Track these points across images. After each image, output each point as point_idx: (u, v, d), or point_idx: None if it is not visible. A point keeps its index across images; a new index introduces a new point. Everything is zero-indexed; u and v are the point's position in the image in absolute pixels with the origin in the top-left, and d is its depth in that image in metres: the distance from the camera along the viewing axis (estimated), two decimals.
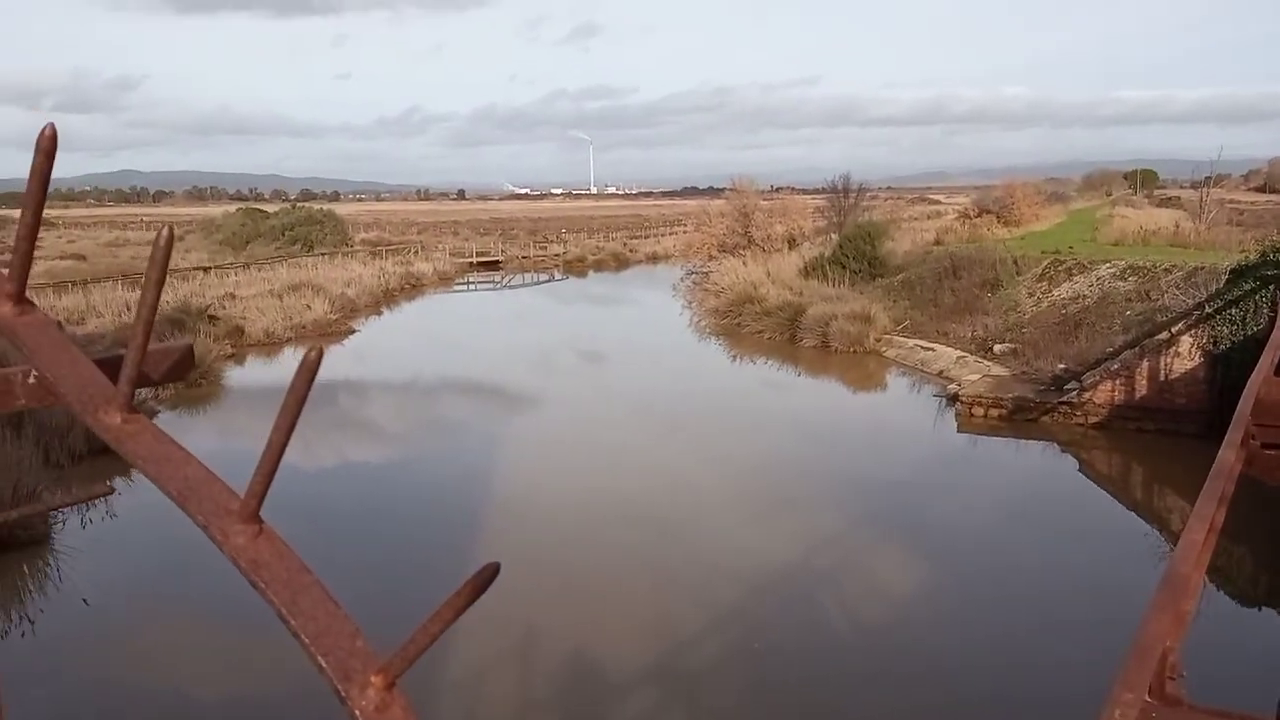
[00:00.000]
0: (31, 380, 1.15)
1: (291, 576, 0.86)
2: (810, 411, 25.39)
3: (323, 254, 56.54)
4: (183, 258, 55.28)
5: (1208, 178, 58.28)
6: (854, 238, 40.53)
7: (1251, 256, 21.32)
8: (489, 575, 0.84)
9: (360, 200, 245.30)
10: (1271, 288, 19.11)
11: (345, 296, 43.06)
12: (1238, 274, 20.49)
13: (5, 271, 1.02)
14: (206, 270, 47.14)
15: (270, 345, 34.66)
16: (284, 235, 62.76)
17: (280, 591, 0.84)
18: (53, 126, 0.94)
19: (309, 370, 0.86)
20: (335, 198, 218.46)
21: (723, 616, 12.33)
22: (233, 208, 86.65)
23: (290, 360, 32.90)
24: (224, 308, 36.78)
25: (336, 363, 33.03)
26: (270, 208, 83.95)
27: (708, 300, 41.54)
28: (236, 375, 29.63)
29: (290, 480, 18.83)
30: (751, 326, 35.23)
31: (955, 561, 14.42)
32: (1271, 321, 17.04)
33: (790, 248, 47.34)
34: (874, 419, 24.75)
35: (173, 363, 1.31)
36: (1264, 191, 75.81)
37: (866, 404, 26.66)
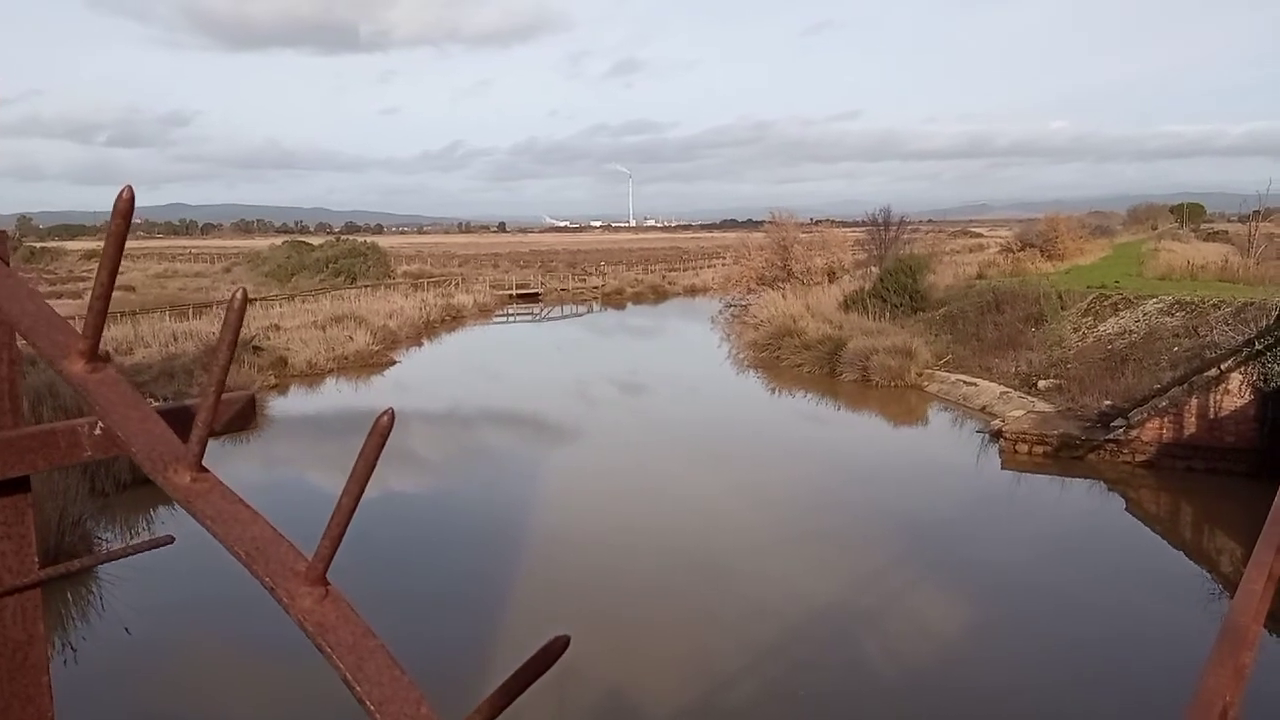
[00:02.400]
0: (98, 432, 1.17)
1: (357, 641, 0.86)
2: (851, 446, 25.17)
3: (365, 286, 57.32)
4: (229, 289, 56.27)
5: (1256, 211, 57.36)
6: (895, 271, 40.32)
7: None
8: (559, 648, 0.83)
9: (403, 233, 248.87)
10: None
11: (387, 328, 43.55)
12: None
13: (78, 328, 1.04)
14: (252, 302, 47.89)
15: (313, 376, 35.10)
16: (328, 267, 63.75)
17: (346, 656, 0.84)
18: (129, 189, 0.97)
19: (380, 435, 0.87)
20: (378, 230, 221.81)
21: (762, 655, 12.19)
22: (278, 240, 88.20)
23: (332, 391, 33.31)
24: (268, 339, 37.35)
25: (377, 393, 33.36)
26: (315, 240, 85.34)
27: (746, 333, 41.46)
28: (280, 405, 30.01)
29: (328, 502, 18.97)
30: (791, 360, 35.08)
31: (1000, 603, 14.15)
32: None
33: (830, 281, 47.19)
34: (916, 455, 24.47)
35: (235, 413, 1.33)
36: None
37: (908, 439, 26.38)
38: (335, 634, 0.86)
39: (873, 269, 45.28)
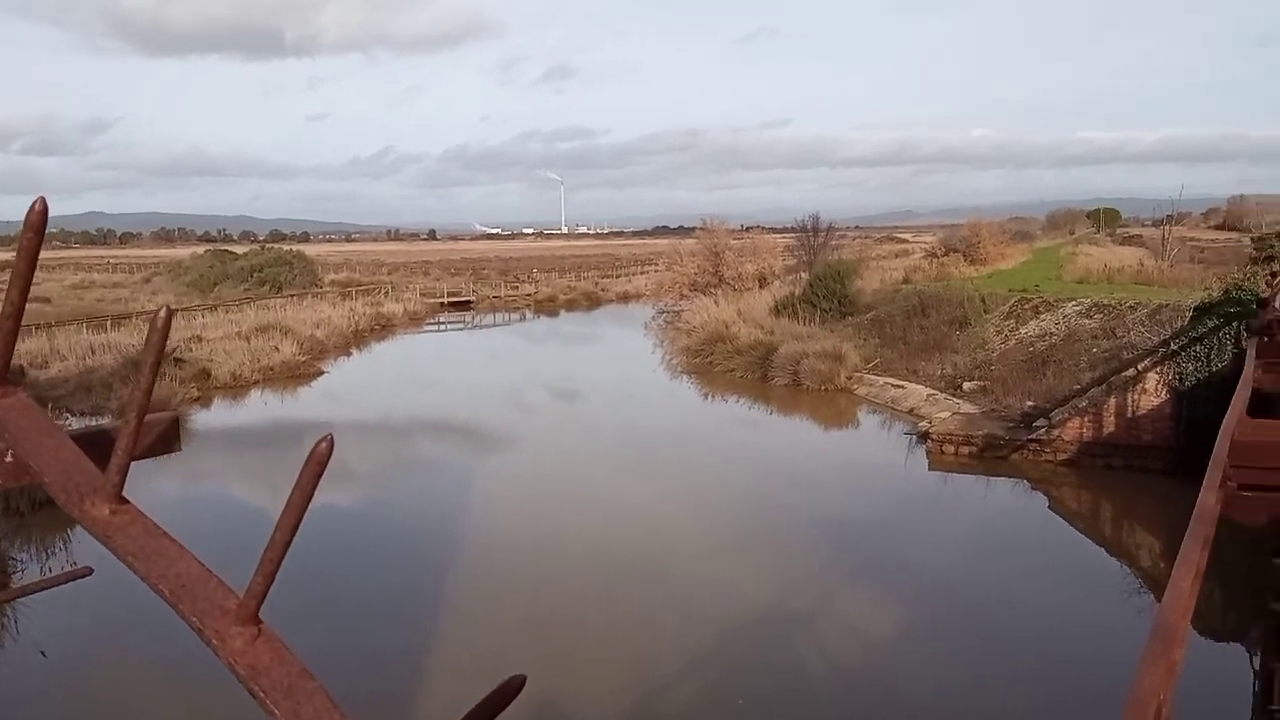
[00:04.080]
0: (9, 460, 1.10)
1: (293, 683, 0.81)
2: (783, 449, 25.40)
3: (291, 295, 56.20)
4: (149, 300, 54.73)
5: (1169, 216, 59.41)
6: (824, 276, 40.86)
7: (1214, 294, 21.72)
8: (516, 688, 0.79)
9: (330, 241, 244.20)
10: (1235, 325, 19.42)
11: (314, 338, 42.73)
12: (1201, 311, 20.84)
13: None
14: (173, 312, 46.62)
15: (237, 388, 34.25)
16: (252, 277, 62.35)
17: (281, 701, 0.79)
18: (43, 201, 0.91)
19: (318, 463, 0.81)
20: (305, 238, 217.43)
21: (699, 659, 12.20)
22: (201, 249, 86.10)
23: (258, 403, 32.55)
24: (190, 350, 36.34)
25: (305, 405, 32.69)
26: (239, 249, 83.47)
27: (679, 339, 41.63)
28: (203, 419, 29.23)
29: (257, 524, 18.53)
30: (723, 365, 35.31)
31: (930, 603, 14.39)
32: (1237, 359, 17.31)
33: (761, 287, 47.62)
34: (846, 457, 24.80)
35: (156, 436, 1.26)
36: (1223, 229, 77.42)
37: (838, 442, 26.72)
38: (269, 676, 0.81)
39: (802, 275, 45.82)
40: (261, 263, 64.93)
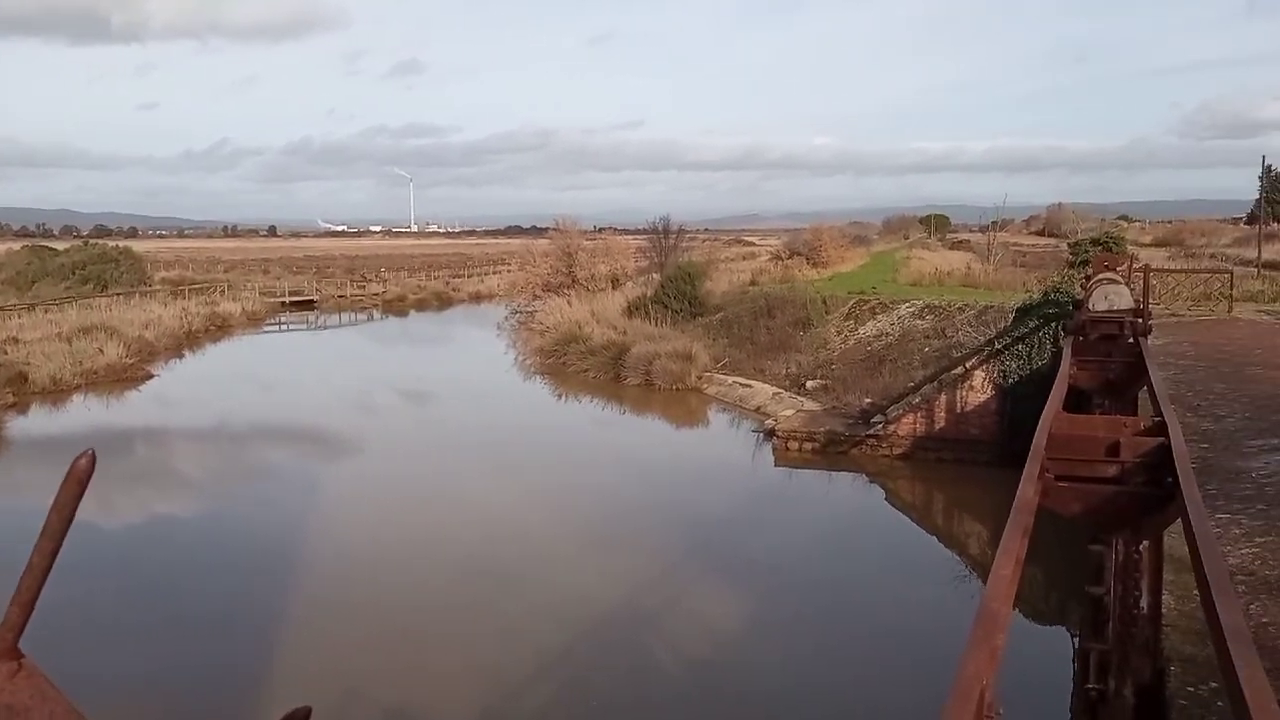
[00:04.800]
0: None
1: None
2: (636, 449, 25.67)
3: (118, 294, 52.89)
4: None
5: (994, 222, 62.97)
6: (675, 278, 41.49)
7: (1035, 296, 23.22)
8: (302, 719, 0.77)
9: (161, 237, 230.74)
10: (1054, 325, 20.81)
11: (143, 339, 40.41)
12: (1023, 312, 22.24)
13: None
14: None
15: (58, 393, 32.02)
16: (75, 274, 58.32)
17: None
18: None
19: (78, 481, 0.77)
20: (133, 234, 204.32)
21: (553, 664, 12.21)
22: (17, 245, 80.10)
23: (80, 409, 30.56)
24: (5, 353, 33.79)
25: (133, 409, 30.91)
26: (60, 245, 78.08)
27: (533, 339, 41.46)
28: (19, 426, 27.22)
29: (86, 536, 17.42)
30: (577, 365, 35.38)
31: (777, 596, 14.86)
32: (1055, 357, 18.57)
33: (614, 287, 47.93)
34: (697, 455, 25.28)
35: None
36: (1043, 235, 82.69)
37: (690, 440, 27.21)
38: (28, 717, 0.75)
39: (654, 276, 46.40)
40: (85, 259, 60.82)
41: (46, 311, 45.11)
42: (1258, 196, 58.19)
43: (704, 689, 11.81)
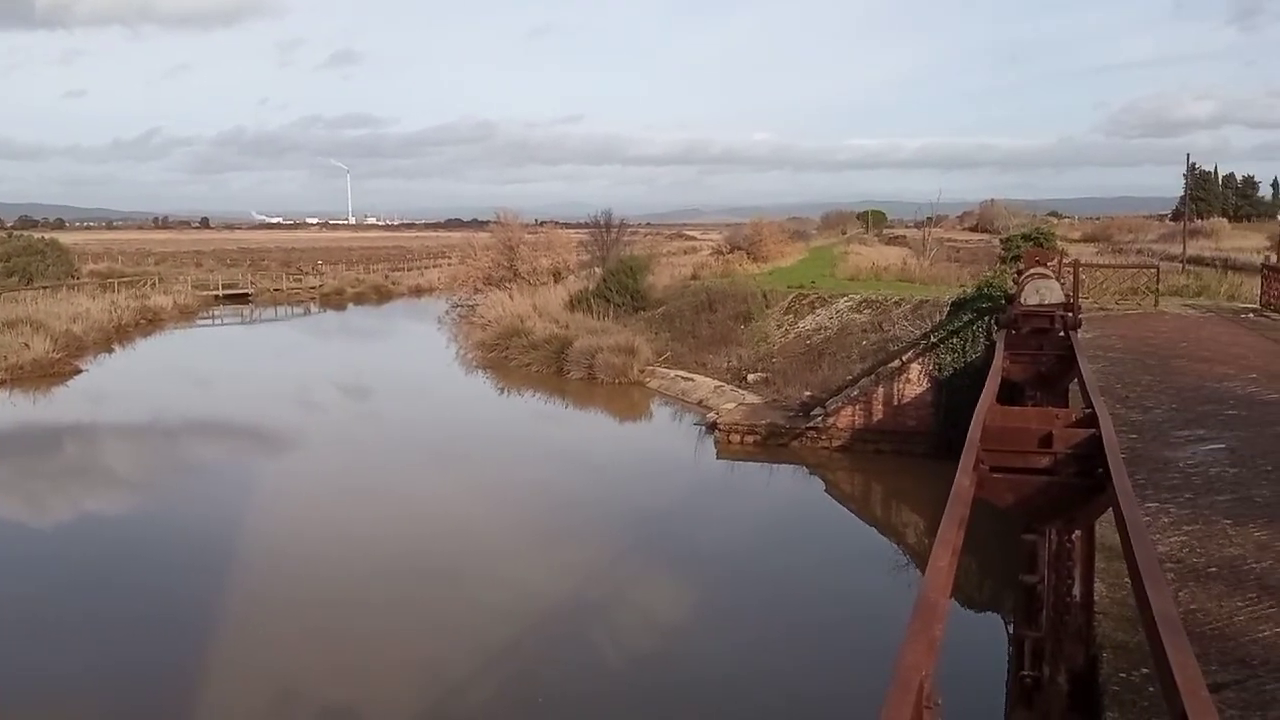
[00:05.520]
0: None
1: None
2: (579, 443, 25.61)
3: (44, 287, 51.26)
4: None
5: (929, 218, 64.22)
6: (617, 272, 41.45)
7: (969, 290, 23.62)
8: None
9: (89, 228, 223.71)
10: (987, 319, 21.19)
11: (70, 333, 39.20)
12: (957, 306, 22.62)
13: None
14: None
15: None
16: None
17: None
18: None
19: None
20: (60, 225, 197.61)
21: (498, 661, 12.12)
22: None
23: (5, 405, 29.57)
24: None
25: (62, 405, 30.02)
26: None
27: (474, 333, 41.11)
28: None
29: (12, 534, 16.85)
30: (519, 359, 35.16)
31: (720, 588, 14.94)
32: (989, 350, 18.91)
33: (555, 281, 47.75)
34: (640, 448, 25.31)
35: None
36: (976, 230, 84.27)
37: (632, 434, 27.21)
38: None
39: (596, 269, 46.31)
40: (9, 251, 58.81)
41: None
42: (1182, 194, 59.97)
43: (648, 680, 11.82)
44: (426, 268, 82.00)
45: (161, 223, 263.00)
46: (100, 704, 10.97)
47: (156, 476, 22.09)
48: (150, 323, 49.80)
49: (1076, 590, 6.04)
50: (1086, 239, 64.78)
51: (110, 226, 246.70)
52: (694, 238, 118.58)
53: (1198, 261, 38.13)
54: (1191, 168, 56.70)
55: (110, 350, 41.46)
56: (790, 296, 34.44)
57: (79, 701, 11.00)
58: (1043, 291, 11.95)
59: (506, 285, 47.12)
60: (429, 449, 23.87)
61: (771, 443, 23.20)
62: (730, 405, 25.60)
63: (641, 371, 31.57)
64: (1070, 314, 11.51)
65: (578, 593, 14.53)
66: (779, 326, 32.82)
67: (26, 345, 34.56)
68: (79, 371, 34.87)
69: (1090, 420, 6.01)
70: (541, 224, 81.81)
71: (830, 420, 23.05)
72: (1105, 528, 5.82)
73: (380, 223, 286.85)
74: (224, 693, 11.23)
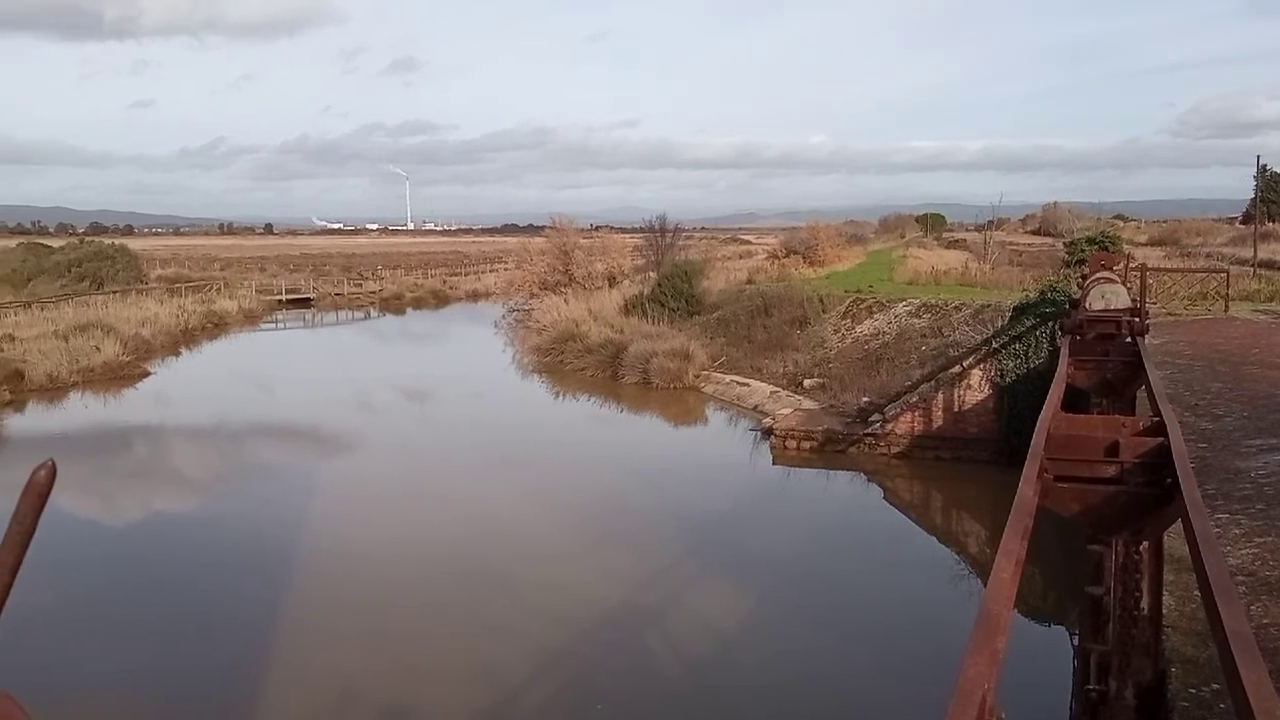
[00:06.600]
0: None
1: None
2: (634, 448, 25.66)
3: (114, 292, 52.82)
4: None
5: (990, 221, 63.01)
6: (672, 276, 41.46)
7: (1032, 295, 23.20)
8: None
9: (157, 234, 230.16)
10: (1050, 324, 20.79)
11: (139, 337, 40.37)
12: (1020, 311, 22.23)
13: None
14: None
15: (54, 390, 31.99)
16: (70, 271, 58.26)
17: None
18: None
19: (37, 494, 0.73)
20: (129, 231, 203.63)
21: (553, 666, 12.19)
22: (12, 242, 79.93)
23: (77, 406, 30.52)
24: (1, 350, 33.72)
25: (130, 407, 30.86)
26: (55, 242, 77.97)
27: (530, 338, 41.42)
28: (16, 424, 27.15)
29: (85, 533, 17.36)
30: (574, 364, 35.35)
31: (778, 595, 14.85)
32: (1052, 356, 18.55)
33: (610, 286, 47.91)
34: (695, 453, 25.26)
35: None
36: (1038, 234, 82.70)
37: (687, 439, 27.19)
38: None
39: (651, 274, 46.36)
40: (80, 257, 60.72)
41: (43, 309, 45.06)
42: (1253, 196, 58.26)
43: (703, 686, 11.79)
44: (483, 273, 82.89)
45: (226, 229, 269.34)
46: (161, 703, 11.24)
47: (220, 478, 22.62)
48: (216, 327, 51.00)
49: (1144, 603, 5.90)
50: (1153, 242, 63.10)
51: (177, 233, 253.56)
52: (749, 242, 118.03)
53: (1269, 265, 36.97)
54: (1262, 169, 55.04)
55: (177, 353, 42.54)
56: (847, 301, 34.12)
57: (140, 700, 11.28)
58: (1108, 296, 11.68)
59: (562, 290, 47.41)
60: (486, 452, 24.09)
61: (828, 449, 23.02)
62: (786, 411, 25.45)
63: (696, 376, 31.54)
64: (1137, 319, 11.23)
65: (634, 598, 14.55)
66: (836, 331, 32.53)
67: (97, 348, 35.63)
68: (147, 374, 35.85)
69: (1158, 429, 5.86)
70: (596, 229, 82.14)
71: (889, 426, 22.79)
72: (1174, 539, 5.68)
73: (438, 228, 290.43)
74: (283, 693, 11.45)
